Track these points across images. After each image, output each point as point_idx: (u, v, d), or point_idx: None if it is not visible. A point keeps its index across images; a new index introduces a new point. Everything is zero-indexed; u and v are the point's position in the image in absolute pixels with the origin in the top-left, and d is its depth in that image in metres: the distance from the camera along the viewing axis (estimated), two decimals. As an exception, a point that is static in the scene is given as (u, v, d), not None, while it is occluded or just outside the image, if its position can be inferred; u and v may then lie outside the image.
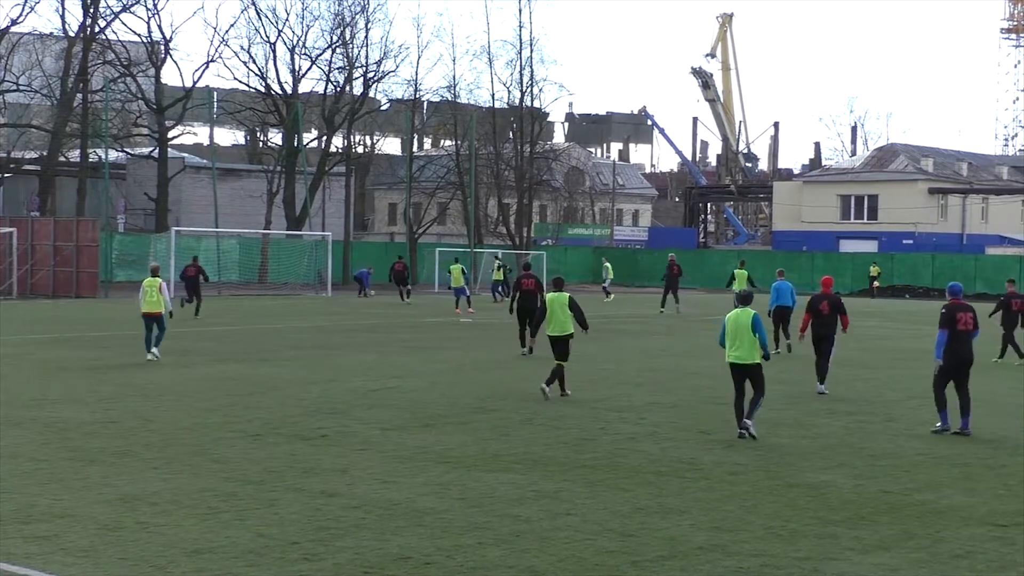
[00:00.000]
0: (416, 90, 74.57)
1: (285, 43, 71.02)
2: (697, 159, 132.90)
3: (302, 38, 70.76)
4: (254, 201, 69.69)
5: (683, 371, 23.63)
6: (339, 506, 11.19)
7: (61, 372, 21.77)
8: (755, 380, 15.34)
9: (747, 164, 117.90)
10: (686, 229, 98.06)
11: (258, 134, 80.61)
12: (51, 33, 68.11)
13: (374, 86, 73.17)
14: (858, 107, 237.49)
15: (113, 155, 65.09)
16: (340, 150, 74.10)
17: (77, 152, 68.54)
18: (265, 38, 69.69)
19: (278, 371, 22.44)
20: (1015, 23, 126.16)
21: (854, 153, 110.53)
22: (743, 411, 15.38)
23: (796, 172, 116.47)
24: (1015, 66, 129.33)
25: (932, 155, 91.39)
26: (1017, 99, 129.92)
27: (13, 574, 8.97)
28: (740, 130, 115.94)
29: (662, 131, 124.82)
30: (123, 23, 71.81)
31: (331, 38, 70.73)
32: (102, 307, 43.55)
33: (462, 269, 44.60)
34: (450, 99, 77.76)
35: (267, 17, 69.91)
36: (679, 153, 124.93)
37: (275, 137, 74.26)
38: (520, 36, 76.72)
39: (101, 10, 65.65)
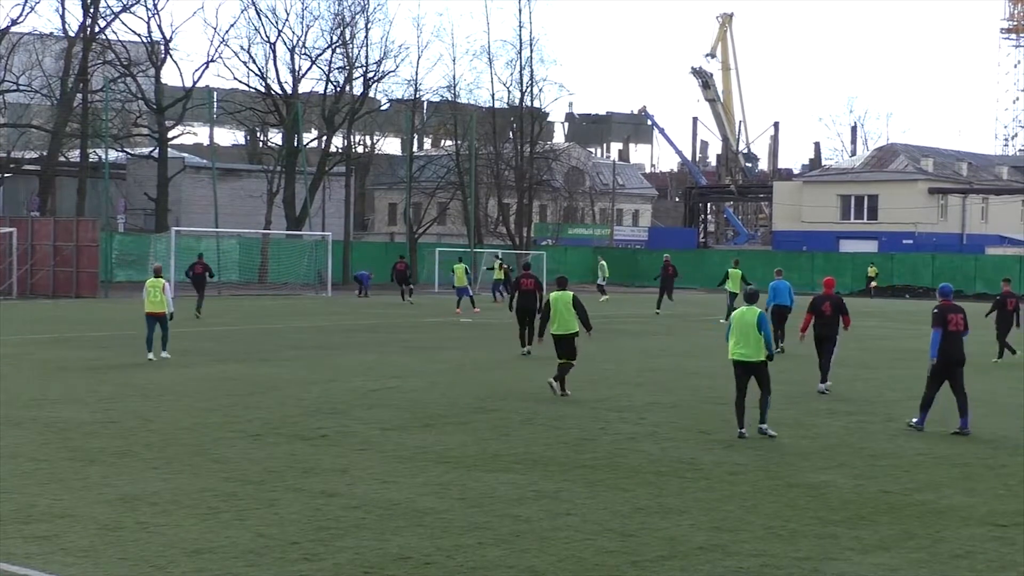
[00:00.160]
0: (416, 90, 74.65)
1: (285, 43, 71.09)
2: (697, 159, 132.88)
3: (302, 38, 70.84)
4: (254, 201, 69.69)
5: (683, 371, 23.63)
6: (339, 506, 11.19)
7: (61, 372, 21.77)
8: (760, 378, 15.37)
9: (747, 164, 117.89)
10: (686, 229, 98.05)
11: (258, 134, 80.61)
12: (51, 33, 68.13)
13: (374, 86, 73.27)
14: (858, 107, 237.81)
15: (113, 155, 65.09)
16: (340, 150, 74.10)
17: (77, 152, 68.55)
18: (265, 38, 69.76)
19: (278, 371, 22.45)
20: (1015, 23, 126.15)
21: (854, 153, 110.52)
22: (744, 410, 15.39)
23: (796, 172, 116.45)
24: (1015, 66, 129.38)
25: (932, 155, 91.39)
26: (1017, 99, 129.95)
27: (13, 574, 8.98)
28: (740, 130, 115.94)
29: (662, 131, 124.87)
30: (123, 23, 71.99)
31: (331, 38, 70.82)
32: (102, 307, 43.55)
33: (465, 269, 44.67)
34: (450, 99, 77.77)
35: (267, 17, 70.00)
36: (679, 153, 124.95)
37: (275, 137, 74.28)
38: (520, 36, 76.83)
39: (101, 10, 65.68)
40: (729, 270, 37.82)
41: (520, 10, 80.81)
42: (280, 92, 69.59)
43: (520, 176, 78.07)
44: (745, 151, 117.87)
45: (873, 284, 67.70)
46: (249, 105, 72.13)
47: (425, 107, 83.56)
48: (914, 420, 16.33)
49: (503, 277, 51.96)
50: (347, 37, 70.34)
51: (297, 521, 10.59)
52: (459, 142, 76.71)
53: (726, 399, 18.51)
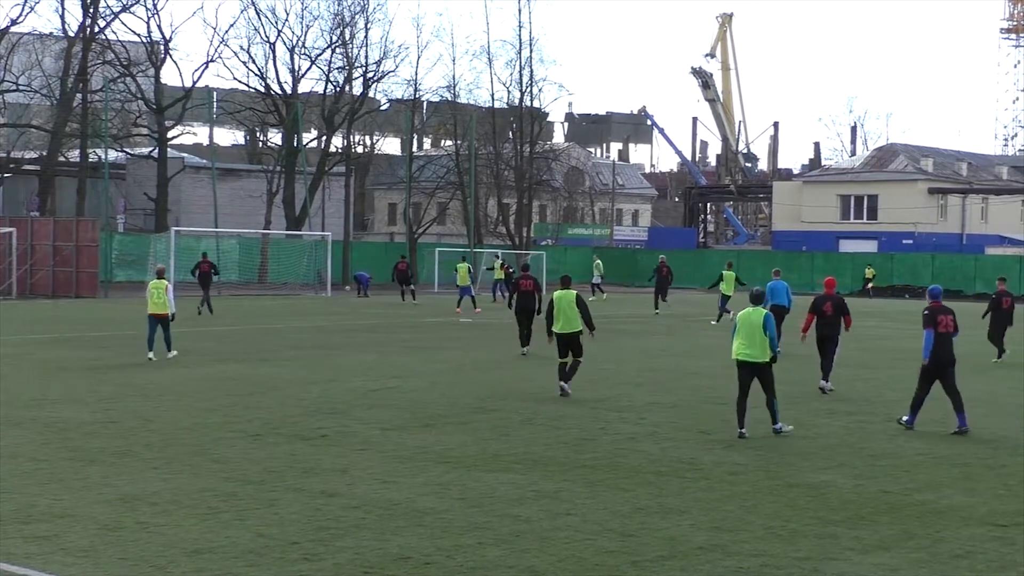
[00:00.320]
0: (416, 90, 74.64)
1: (285, 43, 71.04)
2: (697, 159, 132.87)
3: (302, 38, 70.80)
4: (254, 201, 69.68)
5: (683, 371, 23.63)
6: (339, 506, 11.19)
7: (61, 372, 21.77)
8: (764, 380, 15.39)
9: (747, 164, 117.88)
10: (686, 229, 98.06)
11: (258, 134, 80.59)
12: (51, 33, 68.08)
13: (374, 86, 73.23)
14: (858, 107, 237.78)
15: (113, 155, 65.07)
16: (340, 150, 74.08)
17: (77, 152, 68.52)
18: (265, 38, 69.72)
19: (278, 371, 22.45)
20: (1015, 23, 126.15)
21: (854, 153, 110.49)
22: (745, 410, 15.40)
23: (796, 172, 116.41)
24: (1015, 66, 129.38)
25: (932, 155, 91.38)
26: (1017, 99, 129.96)
27: (13, 574, 8.97)
28: (740, 130, 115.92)
29: (662, 131, 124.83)
30: (123, 23, 71.90)
31: (331, 38, 70.79)
32: (102, 307, 43.54)
33: (468, 268, 44.78)
34: (450, 99, 77.77)
35: (267, 17, 69.93)
36: (679, 153, 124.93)
37: (275, 137, 74.25)
38: (520, 36, 76.87)
39: (101, 10, 65.65)
40: (723, 272, 37.83)
41: (520, 10, 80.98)
42: (280, 92, 69.58)
43: (520, 176, 78.06)
44: (745, 151, 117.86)
45: (871, 285, 67.64)
46: (249, 105, 72.11)
47: (425, 107, 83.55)
48: (904, 418, 16.43)
49: (503, 277, 51.99)
50: (347, 37, 70.38)
51: (297, 521, 10.59)
52: (459, 142, 76.70)
53: (726, 399, 18.52)
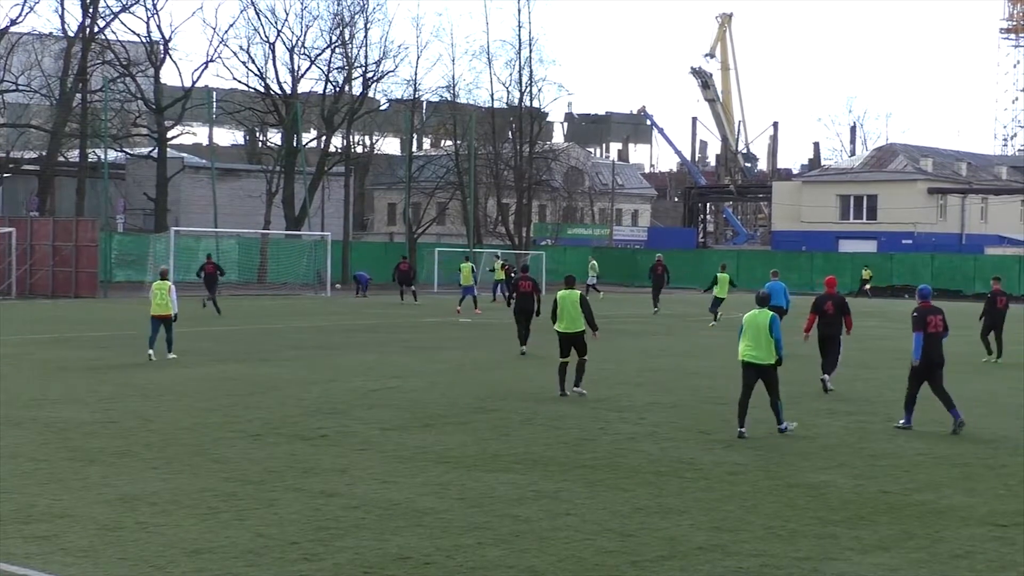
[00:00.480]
0: (415, 90, 74.63)
1: (284, 43, 71.02)
2: (696, 159, 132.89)
3: (301, 38, 70.80)
4: (253, 201, 69.66)
5: (683, 371, 23.64)
6: (339, 506, 11.19)
7: (61, 372, 21.77)
8: (769, 382, 15.44)
9: (746, 164, 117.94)
10: (685, 229, 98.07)
11: (257, 134, 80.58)
12: (50, 33, 68.07)
13: (373, 86, 73.23)
14: (857, 107, 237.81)
15: (112, 155, 65.04)
16: (339, 150, 74.08)
17: (76, 152, 68.51)
18: (264, 38, 69.71)
19: (278, 371, 22.44)
20: (1014, 23, 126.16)
21: (853, 153, 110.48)
22: (746, 410, 15.43)
23: (795, 172, 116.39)
24: (1014, 66, 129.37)
25: (931, 155, 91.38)
26: (1016, 99, 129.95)
27: (13, 574, 8.97)
28: (739, 130, 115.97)
29: (661, 131, 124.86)
30: (122, 23, 71.76)
31: (330, 38, 70.78)
32: (101, 307, 43.54)
33: (472, 268, 44.90)
34: (449, 99, 77.77)
35: (266, 17, 69.91)
36: (678, 153, 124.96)
37: (274, 137, 74.24)
38: (519, 36, 76.88)
39: (100, 10, 65.64)
40: (717, 274, 37.80)
41: (519, 10, 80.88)
42: (279, 92, 69.57)
43: (519, 176, 78.05)
44: (744, 151, 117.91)
45: (868, 286, 67.55)
46: (248, 105, 72.10)
47: (424, 107, 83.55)
48: (901, 422, 16.45)
49: (504, 277, 52.01)
50: (346, 37, 70.37)
51: (297, 521, 10.59)
52: (458, 142, 76.70)
53: (726, 399, 18.53)
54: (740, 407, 15.46)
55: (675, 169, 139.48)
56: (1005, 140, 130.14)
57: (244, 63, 75.67)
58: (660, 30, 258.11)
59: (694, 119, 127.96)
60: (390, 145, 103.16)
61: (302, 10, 79.95)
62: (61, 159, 70.24)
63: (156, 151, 67.05)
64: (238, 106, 71.95)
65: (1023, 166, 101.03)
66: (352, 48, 70.69)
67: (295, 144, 68.15)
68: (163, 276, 24.70)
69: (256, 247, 64.37)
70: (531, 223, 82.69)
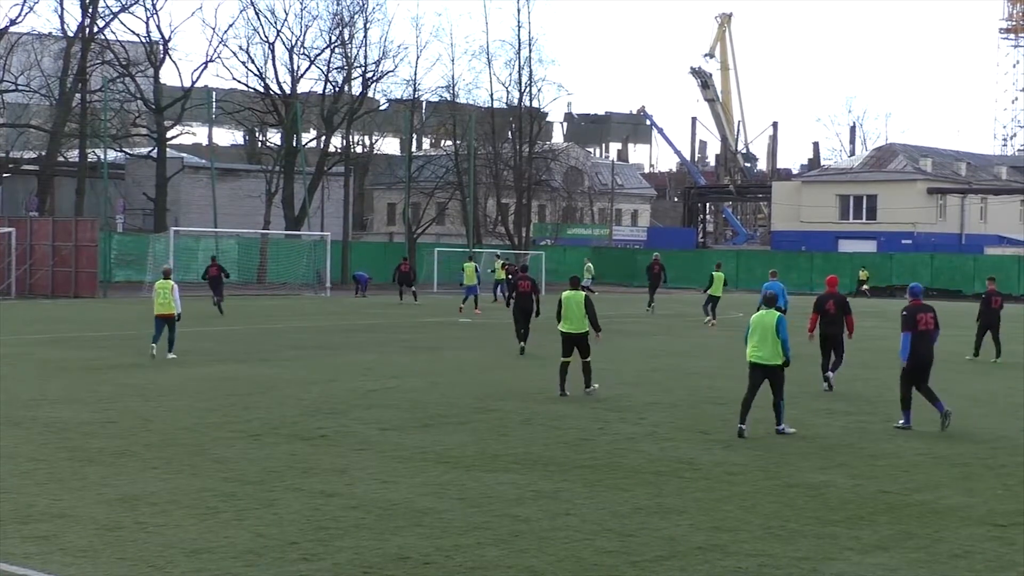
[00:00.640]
0: (415, 90, 74.67)
1: (284, 43, 71.05)
2: (696, 159, 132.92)
3: (301, 38, 70.86)
4: (253, 201, 69.67)
5: (683, 371, 23.64)
6: (338, 506, 11.19)
7: (60, 372, 21.76)
8: (775, 382, 15.52)
9: (746, 164, 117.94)
10: (685, 229, 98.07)
11: (257, 134, 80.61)
12: (50, 33, 68.11)
13: (373, 86, 73.29)
14: (857, 107, 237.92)
15: (112, 155, 65.05)
16: (339, 150, 74.10)
17: (76, 152, 68.53)
18: (264, 38, 69.74)
19: (278, 371, 22.44)
20: (1014, 23, 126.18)
21: (853, 153, 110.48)
22: (749, 409, 15.47)
23: (795, 172, 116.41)
24: (1014, 66, 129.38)
25: (931, 155, 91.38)
26: (1016, 99, 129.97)
27: (12, 574, 8.97)
28: (739, 130, 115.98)
29: (661, 131, 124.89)
30: (122, 23, 71.58)
31: (330, 38, 70.82)
32: (101, 307, 43.54)
33: (475, 267, 45.00)
34: (449, 99, 77.77)
35: (266, 17, 69.96)
36: (678, 153, 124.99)
37: (274, 137, 74.26)
38: (519, 36, 76.84)
39: (100, 10, 65.68)
40: (713, 273, 37.75)
41: (519, 10, 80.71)
42: (279, 92, 69.59)
43: (519, 176, 78.04)
44: (744, 151, 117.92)
45: (865, 287, 67.49)
46: (248, 105, 72.12)
47: (424, 107, 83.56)
48: (900, 422, 16.49)
49: (504, 277, 52.02)
50: (346, 37, 70.41)
51: (296, 521, 10.59)
52: (458, 142, 76.70)
53: (726, 399, 18.54)
54: (743, 405, 15.50)
55: (675, 169, 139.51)
56: (1005, 140, 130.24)
57: (244, 63, 75.73)
58: (660, 30, 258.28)
59: (694, 119, 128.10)
60: (390, 145, 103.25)
61: (302, 10, 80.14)
62: (61, 159, 70.26)
63: (156, 151, 67.07)
64: (238, 106, 71.97)
65: (1023, 166, 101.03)
66: (352, 48, 70.81)
67: (295, 144, 68.16)
68: (166, 275, 24.71)
69: (256, 247, 64.38)
70: (531, 223, 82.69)
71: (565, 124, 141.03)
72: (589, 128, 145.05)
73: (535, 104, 79.01)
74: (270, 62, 71.08)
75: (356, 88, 71.99)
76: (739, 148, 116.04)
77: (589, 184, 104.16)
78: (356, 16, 70.50)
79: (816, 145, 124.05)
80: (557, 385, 19.26)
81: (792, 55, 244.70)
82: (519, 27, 76.98)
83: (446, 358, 25.64)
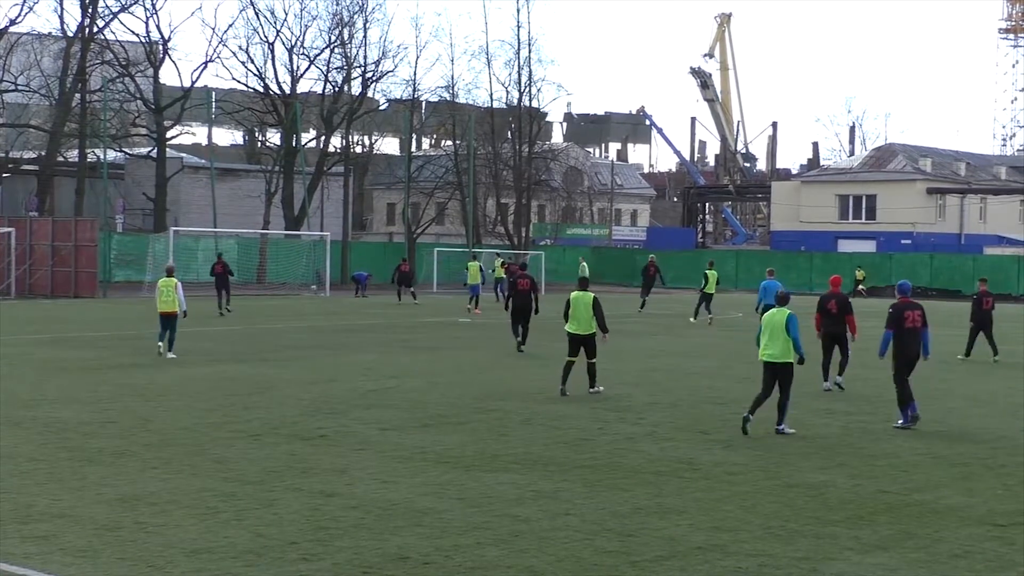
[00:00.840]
0: (414, 90, 74.65)
1: (283, 43, 71.03)
2: (695, 159, 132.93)
3: (300, 38, 70.82)
4: (252, 201, 69.66)
5: (683, 371, 23.63)
6: (338, 506, 11.19)
7: (60, 372, 21.76)
8: (783, 381, 15.57)
9: (745, 164, 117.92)
10: (684, 229, 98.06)
11: (256, 134, 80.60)
12: (49, 33, 68.11)
13: (372, 86, 73.26)
14: (856, 107, 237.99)
15: (111, 155, 65.02)
16: (338, 150, 74.10)
17: (75, 152, 68.51)
18: (263, 38, 69.72)
19: (278, 371, 22.44)
20: (1013, 23, 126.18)
21: (852, 153, 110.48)
22: (759, 405, 15.60)
23: (794, 172, 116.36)
24: (1013, 66, 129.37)
25: (930, 155, 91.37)
26: (1015, 99, 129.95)
27: (12, 574, 8.97)
28: (738, 130, 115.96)
29: (660, 131, 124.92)
30: (121, 23, 71.50)
31: (329, 38, 70.79)
32: (101, 307, 43.53)
33: (479, 267, 45.08)
34: (448, 99, 77.76)
35: (265, 17, 69.92)
36: (677, 153, 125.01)
37: (273, 137, 74.25)
38: (518, 36, 76.80)
39: (99, 10, 65.67)
40: (707, 271, 37.75)
41: (518, 10, 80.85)
42: (278, 92, 69.57)
43: (518, 176, 78.03)
44: (743, 151, 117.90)
45: (861, 287, 67.42)
46: (247, 105, 72.10)
47: (423, 107, 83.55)
48: (900, 422, 16.53)
49: (503, 276, 52.05)
50: (345, 37, 70.39)
51: (296, 521, 10.59)
52: (457, 142, 76.69)
53: (726, 399, 18.56)
54: (755, 402, 15.72)
55: (674, 169, 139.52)
56: (1004, 140, 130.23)
57: (243, 63, 75.68)
58: (659, 30, 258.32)
59: (693, 119, 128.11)
60: (389, 145, 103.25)
61: (301, 10, 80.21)
62: (60, 159, 70.24)
63: (155, 151, 67.05)
64: (237, 106, 71.95)
65: (1022, 166, 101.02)
66: (351, 48, 70.80)
67: (294, 144, 68.15)
68: (169, 273, 24.82)
69: (255, 247, 64.37)
70: (530, 223, 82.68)
71: (565, 124, 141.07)
72: (589, 128, 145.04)
73: (535, 104, 79.07)
74: (270, 62, 71.09)
75: (356, 88, 72.07)
76: (739, 148, 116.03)
77: (588, 184, 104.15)
78: (356, 16, 70.56)
79: (815, 145, 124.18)
80: (560, 382, 19.25)
81: (792, 55, 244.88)
82: (519, 27, 77.03)
83: (446, 358, 25.63)
